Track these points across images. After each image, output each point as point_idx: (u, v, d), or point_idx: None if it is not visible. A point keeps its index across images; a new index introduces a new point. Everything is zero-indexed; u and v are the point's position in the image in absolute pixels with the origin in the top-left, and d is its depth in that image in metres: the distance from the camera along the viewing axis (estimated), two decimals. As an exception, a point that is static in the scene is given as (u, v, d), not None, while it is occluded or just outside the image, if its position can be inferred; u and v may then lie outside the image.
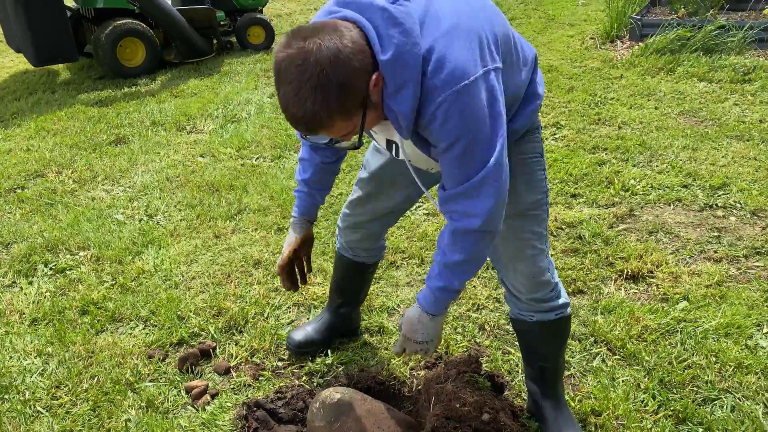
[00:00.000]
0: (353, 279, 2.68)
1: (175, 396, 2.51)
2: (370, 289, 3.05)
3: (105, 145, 5.22)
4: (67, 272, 3.38)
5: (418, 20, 1.43)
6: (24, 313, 3.05)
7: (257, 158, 4.81)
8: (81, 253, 3.56)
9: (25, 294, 3.20)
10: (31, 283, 3.31)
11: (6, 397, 2.53)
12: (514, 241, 1.97)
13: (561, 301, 2.08)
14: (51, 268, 3.43)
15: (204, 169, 4.61)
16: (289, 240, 2.24)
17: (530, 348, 2.24)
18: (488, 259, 2.13)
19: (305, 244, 2.28)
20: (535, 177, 1.93)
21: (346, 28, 1.39)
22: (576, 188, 4.02)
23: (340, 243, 2.60)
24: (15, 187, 4.48)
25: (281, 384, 2.56)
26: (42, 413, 2.44)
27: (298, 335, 2.71)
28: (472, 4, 1.58)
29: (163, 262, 3.42)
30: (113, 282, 3.28)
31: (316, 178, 2.17)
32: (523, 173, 1.90)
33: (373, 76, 1.41)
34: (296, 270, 2.31)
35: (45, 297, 3.17)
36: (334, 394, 2.20)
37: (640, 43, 7.18)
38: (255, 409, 2.41)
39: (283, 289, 2.99)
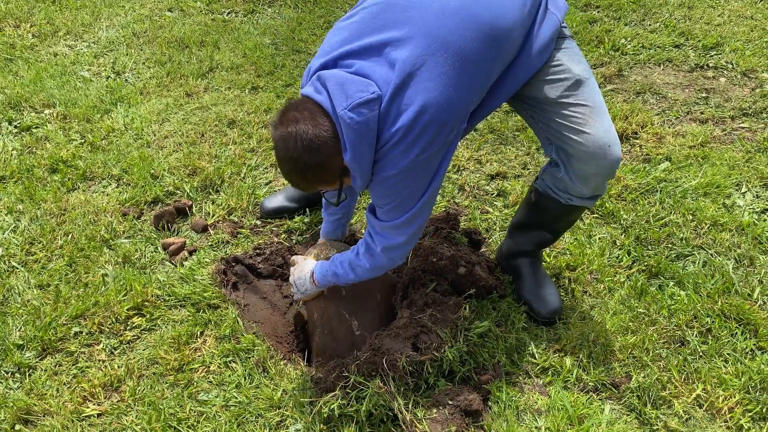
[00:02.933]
0: None
1: (152, 252, 2.50)
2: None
3: (64, -3, 4.84)
4: (33, 130, 3.24)
5: (383, 108, 1.57)
6: (-9, 171, 2.95)
7: (228, 13, 4.51)
8: (46, 111, 3.39)
9: (-10, 152, 3.08)
10: (-5, 141, 3.18)
11: (-21, 253, 2.50)
12: (582, 108, 1.81)
13: (606, 188, 1.96)
14: (16, 126, 3.28)
15: (172, 24, 4.32)
16: (309, 251, 2.29)
17: (542, 222, 2.13)
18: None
19: None
20: (576, 51, 1.87)
21: (321, 120, 1.59)
22: (564, 47, 3.85)
23: None
24: (-30, 41, 4.19)
25: (260, 241, 2.55)
26: (17, 268, 2.42)
27: (271, 203, 2.67)
28: (451, 72, 1.59)
29: (133, 121, 3.28)
30: (82, 140, 3.16)
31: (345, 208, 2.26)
32: (563, 48, 1.84)
33: (343, 161, 1.64)
34: None
35: (11, 155, 3.05)
36: (331, 249, 2.19)
37: None
38: (234, 264, 2.41)
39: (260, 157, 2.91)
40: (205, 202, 2.75)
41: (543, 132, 1.92)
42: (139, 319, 2.21)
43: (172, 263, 2.44)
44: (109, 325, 2.19)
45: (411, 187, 1.70)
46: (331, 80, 1.58)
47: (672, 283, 2.27)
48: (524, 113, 1.96)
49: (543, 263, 2.34)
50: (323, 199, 2.25)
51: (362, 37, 1.63)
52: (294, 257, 2.19)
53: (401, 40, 1.58)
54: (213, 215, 2.67)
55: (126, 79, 3.73)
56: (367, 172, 1.66)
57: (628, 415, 1.87)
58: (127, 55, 3.97)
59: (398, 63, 1.56)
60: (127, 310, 2.22)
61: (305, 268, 2.09)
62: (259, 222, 2.65)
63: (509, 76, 1.78)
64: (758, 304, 2.17)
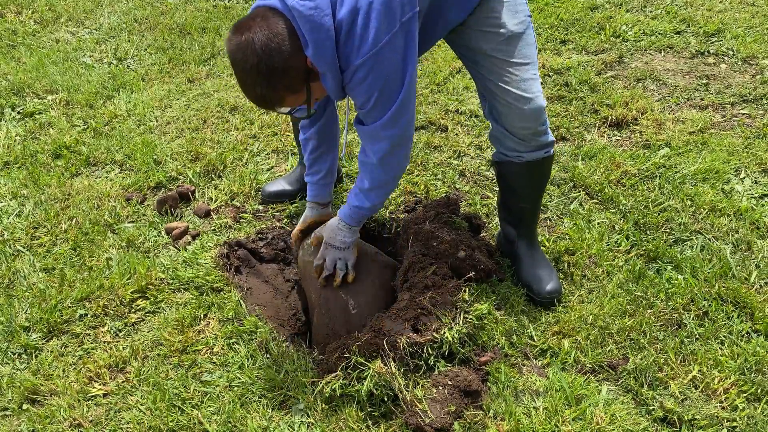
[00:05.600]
0: None
1: (155, 237, 2.53)
2: (352, 137, 3.00)
3: (66, -17, 4.84)
4: (36, 116, 3.27)
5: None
6: (-5, 157, 2.97)
7: (231, -1, 4.52)
8: (49, 97, 3.41)
9: (-7, 138, 3.10)
10: (-1, 126, 3.20)
11: (-16, 237, 2.52)
12: (507, 64, 1.90)
13: (550, 138, 2.05)
14: (19, 112, 3.30)
15: (174, 11, 4.33)
16: (302, 219, 2.30)
17: (513, 190, 2.22)
18: (480, 105, 2.11)
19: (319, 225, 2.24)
20: (517, 1, 1.92)
21: (275, 19, 1.56)
22: (566, 34, 3.85)
23: None
24: (-28, 27, 4.20)
25: (262, 226, 2.57)
26: (23, 252, 2.45)
27: (272, 187, 2.69)
28: None
29: (135, 107, 3.30)
30: (85, 126, 3.18)
31: (317, 154, 2.18)
32: (502, 2, 1.89)
33: (307, 60, 1.61)
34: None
35: (15, 141, 3.08)
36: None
37: None
38: (236, 248, 2.44)
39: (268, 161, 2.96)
40: (208, 188, 2.77)
41: (479, 87, 2.04)
42: (144, 301, 2.24)
43: (176, 247, 2.47)
44: (114, 307, 2.22)
45: (384, 76, 1.67)
46: None
47: (670, 267, 2.30)
48: (466, 66, 2.05)
49: (543, 248, 2.36)
50: (301, 157, 2.22)
51: None
52: (308, 239, 2.21)
53: None
54: (215, 200, 2.70)
55: (128, 66, 3.74)
56: (334, 66, 1.63)
57: (624, 395, 1.90)
58: (128, 41, 3.98)
59: None
60: (132, 293, 2.25)
61: (331, 225, 2.08)
62: (261, 207, 2.68)
63: None
64: (755, 288, 2.19)
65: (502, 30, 1.88)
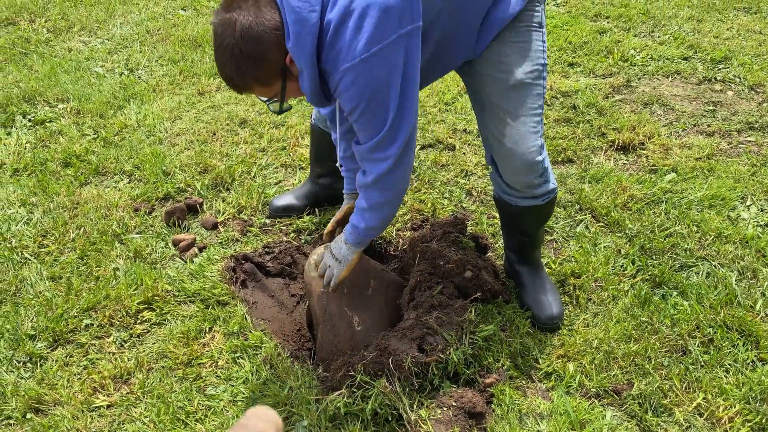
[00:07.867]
0: (329, 150, 2.52)
1: (162, 248, 2.53)
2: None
3: (79, -7, 4.89)
4: (47, 124, 3.29)
5: None
6: (5, 164, 2.99)
7: (242, 13, 4.56)
8: (60, 105, 3.44)
9: (4, 144, 3.12)
10: (9, 133, 3.22)
11: (-7, 244, 2.53)
12: (507, 115, 1.87)
13: (550, 186, 2.02)
14: (30, 120, 3.32)
15: (186, 23, 4.37)
16: (340, 209, 2.28)
17: (511, 224, 2.23)
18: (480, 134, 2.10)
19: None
20: (532, 46, 1.84)
21: (267, 8, 1.52)
22: (574, 57, 3.88)
23: (314, 114, 2.52)
24: (-15, 34, 4.24)
25: (269, 240, 2.58)
26: (30, 260, 2.46)
27: (280, 201, 2.70)
28: None
29: (146, 117, 3.32)
30: (95, 135, 3.20)
31: (348, 153, 2.14)
32: (518, 41, 1.82)
33: (287, 57, 1.56)
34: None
35: (25, 148, 3.09)
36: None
37: None
38: (243, 261, 2.44)
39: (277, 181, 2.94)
40: (216, 200, 2.78)
41: (482, 133, 2.01)
42: (149, 313, 2.24)
43: (182, 259, 2.48)
44: (120, 318, 2.22)
45: (373, 87, 1.58)
46: None
47: (675, 293, 2.30)
48: (473, 107, 2.03)
49: (548, 269, 2.37)
50: (339, 161, 2.15)
51: None
52: (315, 253, 2.19)
53: None
54: (223, 213, 2.71)
55: (139, 76, 3.77)
56: (311, 65, 1.56)
57: (629, 421, 1.89)
58: (140, 52, 4.01)
59: None
60: (138, 304, 2.26)
61: (337, 240, 2.05)
62: (268, 221, 2.69)
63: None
64: (760, 316, 2.19)
65: (510, 78, 1.82)
